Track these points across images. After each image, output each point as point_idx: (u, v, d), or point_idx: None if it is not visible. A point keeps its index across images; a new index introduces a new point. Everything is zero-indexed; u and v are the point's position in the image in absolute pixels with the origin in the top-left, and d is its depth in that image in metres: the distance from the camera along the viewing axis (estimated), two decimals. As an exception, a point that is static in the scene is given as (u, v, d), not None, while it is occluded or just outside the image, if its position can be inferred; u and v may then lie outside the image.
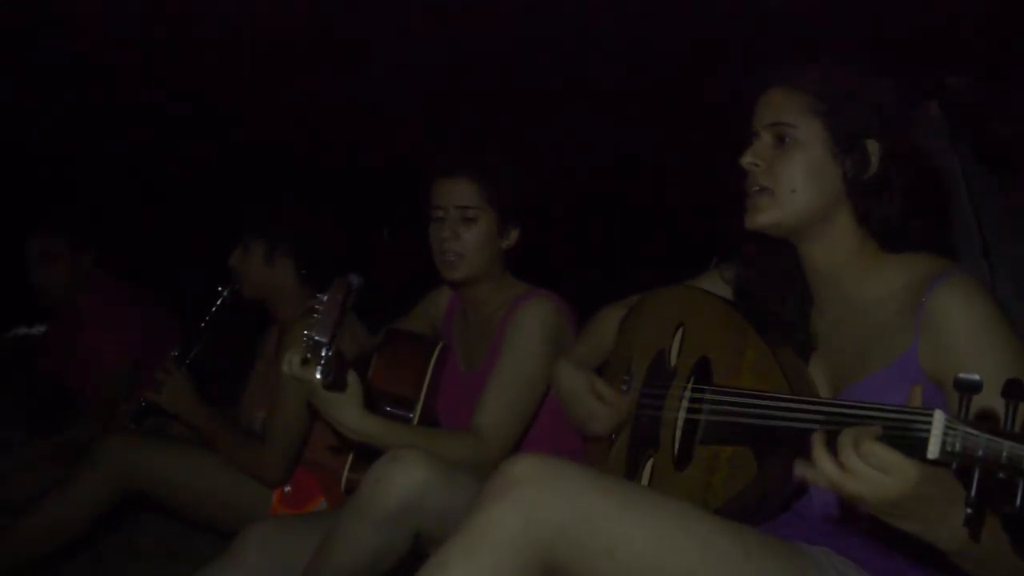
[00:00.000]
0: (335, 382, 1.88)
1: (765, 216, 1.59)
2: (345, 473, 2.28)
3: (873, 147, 1.55)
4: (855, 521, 1.50)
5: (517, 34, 3.49)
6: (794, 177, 1.57)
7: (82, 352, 3.28)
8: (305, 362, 1.87)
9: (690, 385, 1.69)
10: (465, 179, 2.21)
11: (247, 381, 2.96)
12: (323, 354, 1.84)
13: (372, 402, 2.20)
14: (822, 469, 1.24)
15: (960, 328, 1.43)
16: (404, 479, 1.82)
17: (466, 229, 2.21)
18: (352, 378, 1.94)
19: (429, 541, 1.90)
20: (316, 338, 1.85)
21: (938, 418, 1.13)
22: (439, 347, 2.36)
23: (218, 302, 2.81)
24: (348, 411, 1.92)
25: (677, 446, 1.68)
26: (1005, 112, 2.54)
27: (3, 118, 3.97)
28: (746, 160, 1.62)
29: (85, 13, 3.36)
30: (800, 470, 1.29)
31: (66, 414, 3.26)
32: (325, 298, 1.89)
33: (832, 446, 1.26)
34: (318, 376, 1.85)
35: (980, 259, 2.36)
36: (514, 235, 2.27)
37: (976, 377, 1.13)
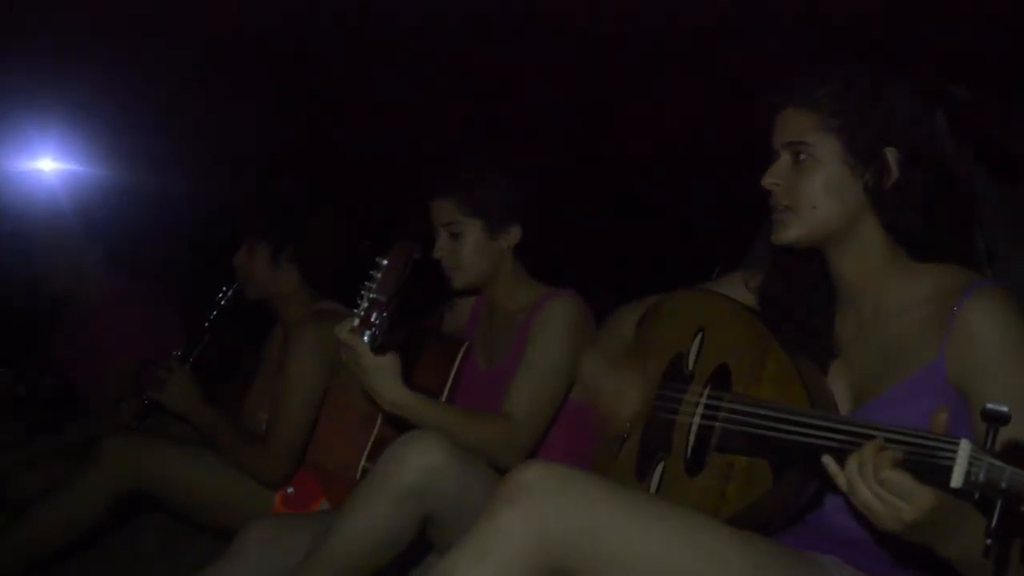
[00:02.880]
0: (381, 347, 1.88)
1: (789, 233, 1.61)
2: (362, 462, 2.30)
3: (892, 155, 1.55)
4: (865, 531, 1.51)
5: (533, 32, 3.48)
6: (814, 194, 1.57)
7: (88, 350, 3.27)
8: (353, 329, 1.87)
9: (707, 391, 1.70)
10: (442, 198, 2.31)
11: (251, 382, 2.96)
12: (377, 313, 1.84)
13: None
14: (848, 470, 1.27)
15: (991, 341, 1.43)
16: (420, 460, 1.85)
17: (455, 243, 2.32)
18: (394, 348, 1.95)
19: (439, 528, 1.93)
20: (375, 296, 1.84)
21: (964, 448, 1.14)
22: (464, 347, 2.40)
23: (221, 302, 2.80)
24: (387, 380, 1.94)
25: (690, 451, 1.69)
26: (1009, 120, 2.55)
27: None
28: (767, 180, 1.63)
29: (91, 17, 3.34)
30: (827, 461, 1.31)
31: (69, 413, 3.25)
32: (385, 261, 1.88)
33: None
34: (365, 340, 1.85)
35: (984, 268, 2.37)
36: (514, 232, 2.33)
37: (1004, 409, 1.14)
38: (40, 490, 2.75)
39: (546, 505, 1.44)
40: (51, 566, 2.63)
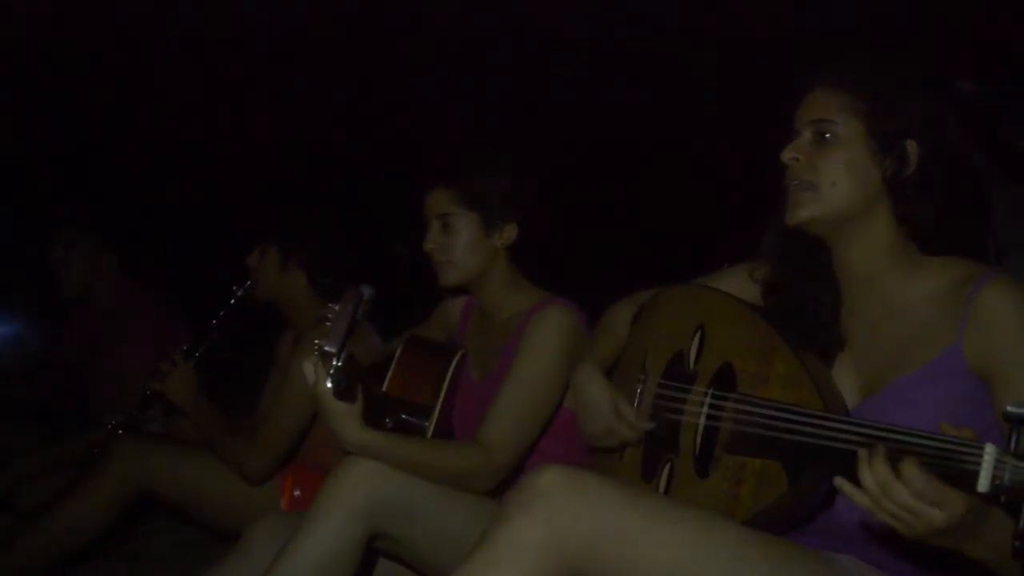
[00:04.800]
0: (344, 392, 1.88)
1: (807, 211, 1.60)
2: None
3: (913, 148, 1.56)
4: (879, 529, 1.49)
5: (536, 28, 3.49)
6: (835, 170, 1.58)
7: (99, 356, 3.29)
8: (320, 370, 1.87)
9: (711, 391, 1.69)
10: (440, 187, 2.24)
11: (256, 383, 2.97)
12: (332, 364, 1.84)
13: (389, 409, 2.21)
14: (868, 488, 1.25)
15: (1010, 325, 1.43)
16: (363, 478, 1.89)
17: (447, 236, 2.24)
18: (358, 391, 1.94)
19: (395, 542, 1.96)
20: (326, 348, 1.84)
21: (989, 452, 1.14)
22: (459, 355, 2.35)
23: (231, 301, 2.81)
24: (348, 424, 1.91)
25: (698, 452, 1.67)
26: (1017, 117, 2.53)
27: (30, 119, 4.00)
28: (787, 155, 1.63)
29: (105, 19, 3.38)
30: (841, 484, 1.29)
31: (79, 419, 3.26)
32: (336, 308, 1.88)
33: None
34: (328, 385, 1.85)
35: (993, 266, 2.35)
36: (509, 231, 2.26)
37: None
38: (50, 496, 2.77)
39: (562, 510, 1.43)
40: (63, 571, 2.64)
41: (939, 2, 2.89)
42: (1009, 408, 1.14)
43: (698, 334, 1.79)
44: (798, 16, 3.03)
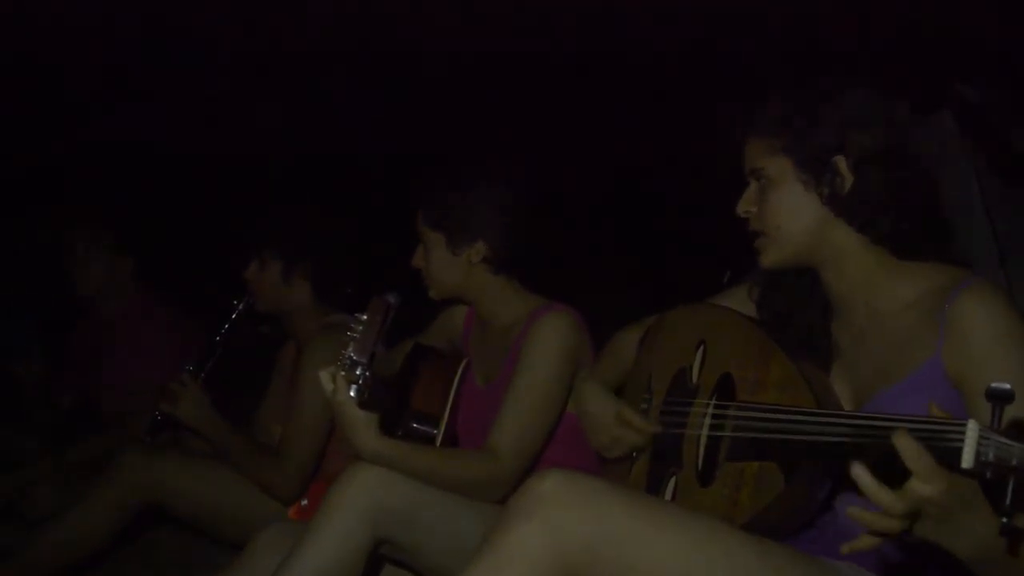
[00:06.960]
0: (367, 402, 1.90)
1: (767, 257, 1.66)
2: None
3: (841, 162, 1.57)
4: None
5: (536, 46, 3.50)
6: (776, 214, 1.63)
7: (110, 364, 3.28)
8: (340, 379, 1.89)
9: (713, 401, 1.70)
10: (417, 209, 2.32)
11: (264, 396, 2.97)
12: (359, 373, 1.86)
13: (397, 417, 2.21)
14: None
15: (985, 333, 1.44)
16: (368, 485, 1.91)
17: (422, 254, 2.33)
18: (378, 400, 1.96)
19: (399, 549, 1.98)
20: (354, 358, 1.87)
21: (971, 428, 1.13)
22: (464, 363, 2.37)
23: (233, 316, 2.81)
24: (366, 433, 1.94)
25: (701, 463, 1.68)
26: (1020, 121, 2.54)
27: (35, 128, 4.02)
28: (740, 209, 1.69)
29: (109, 24, 3.38)
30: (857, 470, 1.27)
31: (86, 427, 3.27)
32: (364, 317, 1.91)
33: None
34: (352, 395, 1.87)
35: (997, 270, 2.36)
36: (478, 248, 2.28)
37: (1008, 387, 1.13)
38: (56, 505, 2.78)
39: (563, 514, 1.43)
40: (68, 580, 2.65)
41: (942, 6, 2.89)
42: (992, 385, 1.14)
43: (700, 349, 1.81)
44: (796, 18, 3.03)
